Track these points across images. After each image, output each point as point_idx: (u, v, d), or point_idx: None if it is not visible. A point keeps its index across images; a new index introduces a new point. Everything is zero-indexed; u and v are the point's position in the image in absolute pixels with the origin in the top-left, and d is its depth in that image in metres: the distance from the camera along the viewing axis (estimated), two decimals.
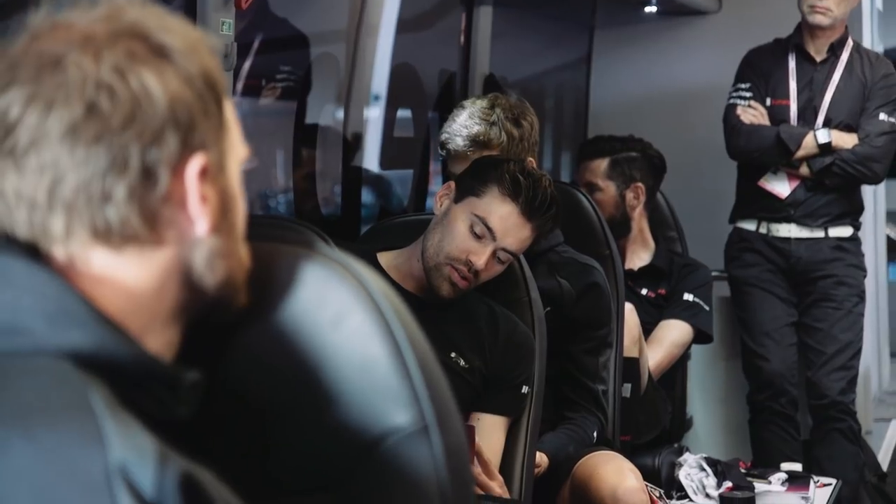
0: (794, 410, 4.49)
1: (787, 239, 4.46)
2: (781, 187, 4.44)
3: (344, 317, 1.18)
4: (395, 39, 4.23)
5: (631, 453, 3.43)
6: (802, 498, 3.76)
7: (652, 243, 4.29)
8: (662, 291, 4.19)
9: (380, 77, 4.20)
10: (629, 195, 4.19)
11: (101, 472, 0.92)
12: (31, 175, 1.05)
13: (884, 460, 5.21)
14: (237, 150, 1.16)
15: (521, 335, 2.77)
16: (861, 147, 4.34)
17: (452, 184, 2.77)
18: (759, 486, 3.74)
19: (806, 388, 4.51)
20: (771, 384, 4.45)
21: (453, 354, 2.71)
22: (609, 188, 4.19)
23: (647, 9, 5.33)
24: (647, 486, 3.04)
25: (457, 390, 1.24)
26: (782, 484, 3.81)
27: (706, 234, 4.71)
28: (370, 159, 4.26)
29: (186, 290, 1.11)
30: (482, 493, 2.59)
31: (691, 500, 3.65)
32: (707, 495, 3.66)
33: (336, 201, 4.12)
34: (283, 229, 1.26)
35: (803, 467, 4.07)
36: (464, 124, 3.12)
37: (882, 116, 4.39)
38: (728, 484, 3.67)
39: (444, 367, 1.24)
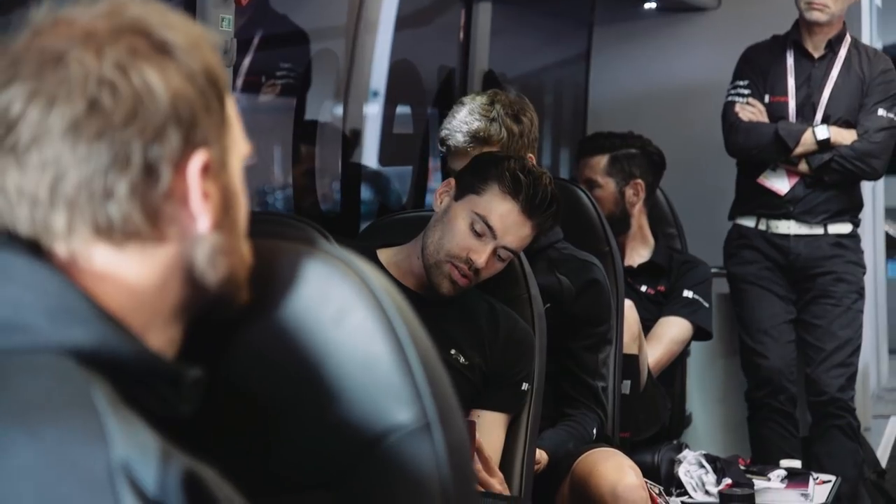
0: (793, 407, 4.49)
1: (787, 236, 4.46)
2: (780, 184, 4.44)
3: (346, 314, 1.18)
4: (395, 36, 4.22)
5: (630, 450, 3.43)
6: (802, 494, 3.76)
7: (651, 240, 4.29)
8: (662, 288, 4.19)
9: (379, 73, 4.20)
10: (628, 192, 4.19)
11: (103, 469, 0.92)
12: (33, 172, 1.04)
13: (883, 457, 5.22)
14: (239, 147, 1.16)
15: (521, 332, 2.77)
16: (860, 143, 4.34)
17: (452, 181, 2.77)
18: (759, 482, 3.75)
19: (805, 384, 4.51)
20: (769, 381, 4.45)
21: (453, 351, 2.71)
22: (608, 185, 4.19)
23: (647, 5, 5.34)
24: (646, 482, 3.04)
25: (457, 387, 1.24)
26: (782, 481, 3.82)
27: (705, 231, 4.71)
28: (369, 156, 4.26)
29: (188, 286, 1.11)
30: (482, 489, 2.59)
31: (691, 496, 3.66)
32: (706, 492, 3.66)
33: (335, 198, 4.12)
34: (284, 226, 1.26)
35: (802, 464, 4.08)
36: (464, 120, 3.12)
37: (881, 112, 4.39)
38: (727, 481, 3.67)
39: (445, 364, 1.24)
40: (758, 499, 3.60)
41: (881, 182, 6.07)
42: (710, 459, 3.75)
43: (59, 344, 1.01)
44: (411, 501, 1.17)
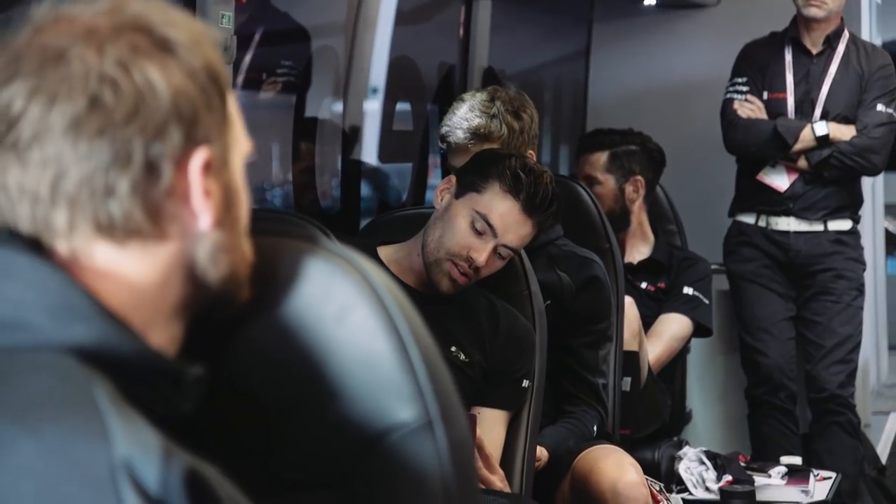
0: (793, 405, 4.49)
1: (787, 232, 4.46)
2: (780, 181, 4.44)
3: (348, 311, 1.17)
4: (394, 32, 4.22)
5: (630, 447, 3.44)
6: (802, 491, 3.76)
7: (651, 237, 4.29)
8: (662, 285, 4.19)
9: (378, 70, 4.20)
10: (628, 188, 4.19)
11: (105, 467, 0.92)
12: (34, 169, 1.04)
13: (882, 453, 5.22)
14: (240, 144, 1.15)
15: (522, 329, 2.77)
16: (859, 139, 4.34)
17: (453, 178, 2.77)
18: (759, 479, 3.75)
19: (805, 381, 4.51)
20: (769, 379, 4.45)
21: (453, 349, 2.70)
22: (608, 181, 4.19)
23: (646, 2, 5.33)
24: (647, 479, 3.04)
25: (457, 385, 1.23)
26: (782, 477, 3.82)
27: (706, 228, 4.71)
28: (369, 152, 4.25)
29: (190, 284, 1.11)
30: (483, 487, 2.59)
31: (691, 493, 3.66)
32: (707, 489, 3.66)
33: (333, 195, 4.11)
34: (285, 223, 1.26)
35: (802, 461, 4.07)
36: (464, 117, 3.11)
37: (880, 107, 4.38)
38: (728, 477, 3.67)
39: (445, 361, 1.24)
40: (758, 495, 3.60)
41: (881, 178, 6.07)
42: (711, 456, 3.75)
43: (60, 342, 1.01)
44: (413, 500, 1.16)
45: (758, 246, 4.49)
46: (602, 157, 4.20)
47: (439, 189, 2.78)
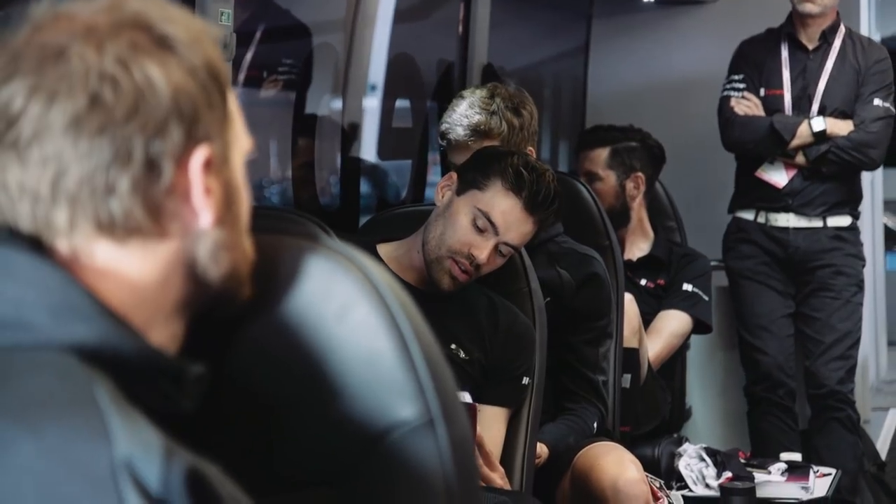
0: (792, 402, 4.49)
1: (786, 229, 4.45)
2: (779, 177, 4.44)
3: (349, 309, 1.17)
4: (393, 29, 4.21)
5: (630, 444, 3.44)
6: (802, 488, 3.76)
7: (651, 233, 4.29)
8: (661, 282, 4.19)
9: (377, 67, 4.19)
10: (629, 185, 4.19)
11: (106, 467, 0.91)
12: (34, 167, 1.04)
13: (882, 449, 5.22)
14: (241, 142, 1.15)
15: (522, 326, 2.77)
16: (856, 133, 4.34)
17: (454, 175, 2.77)
18: (759, 476, 3.74)
19: (804, 377, 4.51)
20: (769, 376, 4.45)
21: (453, 346, 2.70)
22: (609, 178, 4.19)
23: None
24: (647, 476, 3.04)
25: (457, 382, 1.23)
26: (782, 474, 3.81)
27: (705, 224, 4.71)
28: (368, 149, 4.25)
29: (191, 282, 1.11)
30: (483, 484, 2.58)
31: (691, 490, 3.66)
32: (707, 485, 3.66)
33: (333, 192, 4.11)
34: (285, 221, 1.26)
35: (802, 457, 4.07)
36: (464, 114, 3.11)
37: (877, 102, 4.38)
38: (728, 474, 3.67)
39: (445, 359, 1.23)
40: (758, 492, 3.59)
41: (880, 174, 6.07)
42: (711, 453, 3.75)
43: (61, 341, 1.00)
44: (415, 498, 1.16)
45: (757, 243, 4.48)
46: (603, 154, 4.20)
47: (440, 186, 2.77)
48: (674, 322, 4.11)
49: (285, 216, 1.27)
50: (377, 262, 1.22)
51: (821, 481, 3.83)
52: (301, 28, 3.90)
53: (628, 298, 3.60)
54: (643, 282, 4.17)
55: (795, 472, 3.85)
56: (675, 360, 4.21)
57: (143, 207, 1.06)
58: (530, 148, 3.11)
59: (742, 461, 3.81)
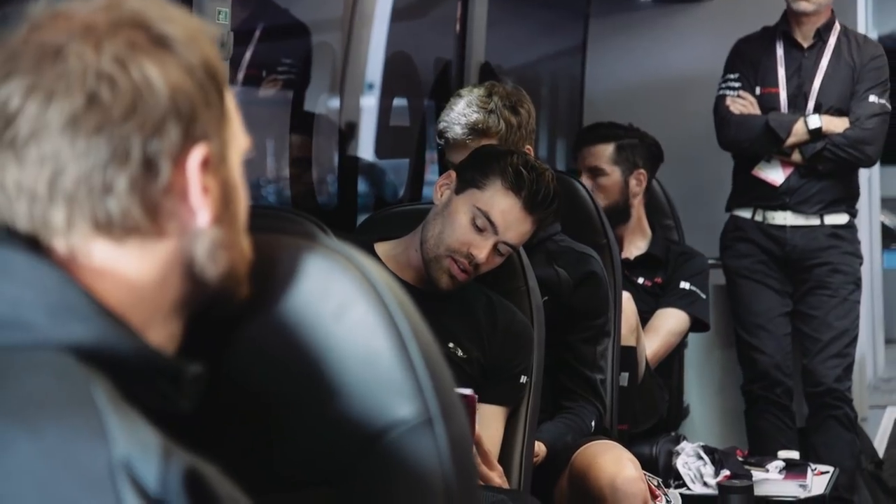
0: (790, 400, 4.49)
1: (783, 227, 4.45)
2: (775, 175, 4.44)
3: (347, 308, 1.17)
4: (391, 28, 4.21)
5: (628, 442, 3.43)
6: (800, 486, 3.76)
7: (649, 232, 4.29)
8: (659, 280, 4.19)
9: (374, 66, 4.19)
10: (632, 181, 4.19)
11: (104, 467, 0.91)
12: (32, 167, 1.04)
13: (880, 447, 5.22)
14: (238, 141, 1.15)
15: (520, 325, 2.77)
16: (852, 130, 4.34)
17: (453, 173, 2.76)
18: (757, 474, 3.75)
19: (802, 375, 4.51)
20: (766, 375, 4.45)
21: (451, 345, 2.70)
22: (615, 173, 4.18)
23: None
24: (645, 475, 3.04)
25: (455, 381, 1.23)
26: (780, 472, 3.82)
27: (703, 223, 4.71)
28: (365, 148, 4.25)
29: (188, 282, 1.10)
30: (482, 483, 2.58)
31: (689, 488, 3.66)
32: (705, 484, 3.66)
33: (330, 191, 4.11)
34: (283, 220, 1.26)
35: (800, 455, 4.07)
36: (462, 113, 3.11)
37: (872, 98, 4.38)
38: (726, 472, 3.67)
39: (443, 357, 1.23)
40: (756, 490, 3.59)
41: (877, 172, 6.07)
42: (709, 451, 3.75)
43: (58, 341, 1.00)
44: (414, 497, 1.16)
45: (754, 241, 4.48)
46: (608, 149, 4.19)
47: (438, 184, 2.77)
48: (671, 320, 4.11)
49: (283, 215, 1.27)
50: (375, 261, 1.22)
51: (818, 479, 3.83)
52: (299, 27, 3.90)
53: (626, 297, 3.60)
54: (641, 280, 4.17)
55: (793, 470, 3.85)
56: (673, 358, 4.21)
57: (141, 207, 1.06)
58: (528, 146, 3.11)
59: (740, 459, 3.81)
